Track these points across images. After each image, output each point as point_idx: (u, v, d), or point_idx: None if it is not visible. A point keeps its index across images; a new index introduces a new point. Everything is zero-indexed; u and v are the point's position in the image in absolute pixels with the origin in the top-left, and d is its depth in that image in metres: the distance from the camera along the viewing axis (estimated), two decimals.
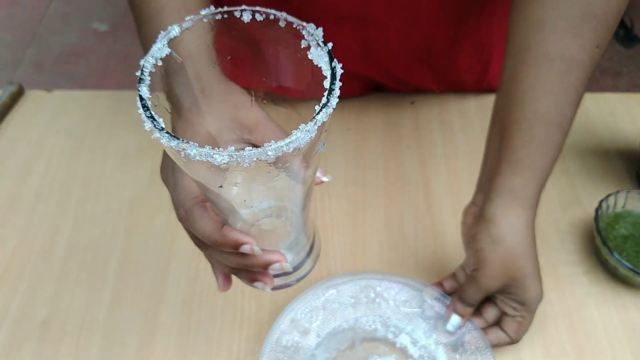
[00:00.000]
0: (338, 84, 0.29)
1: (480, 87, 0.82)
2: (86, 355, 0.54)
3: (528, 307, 0.52)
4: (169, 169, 0.40)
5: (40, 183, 0.69)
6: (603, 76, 2.16)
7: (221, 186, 0.31)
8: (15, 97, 0.78)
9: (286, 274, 0.42)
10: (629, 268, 0.57)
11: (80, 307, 0.58)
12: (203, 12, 0.32)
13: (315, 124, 0.28)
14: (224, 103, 0.37)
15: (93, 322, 0.57)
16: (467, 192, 0.69)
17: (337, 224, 0.66)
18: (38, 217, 0.65)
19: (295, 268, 0.42)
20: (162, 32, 0.31)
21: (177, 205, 0.38)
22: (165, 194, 0.67)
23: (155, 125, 0.28)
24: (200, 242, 0.39)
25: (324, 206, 0.68)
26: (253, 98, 0.39)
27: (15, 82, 0.78)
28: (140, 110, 0.29)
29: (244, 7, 0.32)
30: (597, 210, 0.62)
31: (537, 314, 0.58)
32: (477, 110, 0.80)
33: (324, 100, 0.29)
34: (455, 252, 0.63)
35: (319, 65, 0.31)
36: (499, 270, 0.50)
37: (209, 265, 0.61)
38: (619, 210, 0.64)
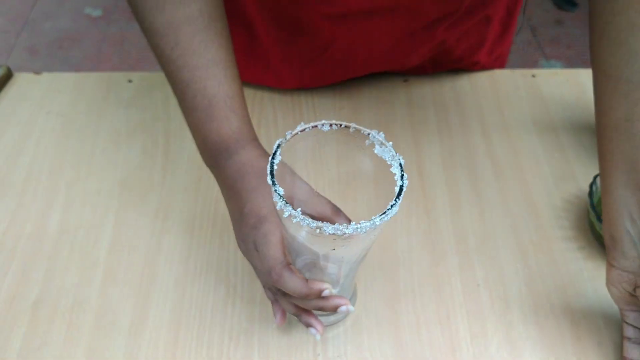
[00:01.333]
0: (402, 196, 0.40)
1: (474, 67, 0.81)
2: (78, 334, 0.54)
3: None
4: (250, 243, 0.48)
5: (30, 164, 0.68)
6: None
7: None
8: (4, 80, 0.77)
9: (331, 314, 0.53)
10: None
11: (72, 286, 0.58)
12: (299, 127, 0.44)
13: (382, 219, 0.39)
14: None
15: (85, 301, 0.56)
16: (460, 168, 0.69)
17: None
18: (28, 198, 0.65)
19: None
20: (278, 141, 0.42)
21: (268, 270, 0.46)
22: (156, 173, 0.67)
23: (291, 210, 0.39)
24: (277, 292, 0.50)
25: (323, 186, 0.68)
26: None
27: (3, 65, 0.77)
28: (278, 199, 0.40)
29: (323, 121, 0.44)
30: (591, 185, 0.61)
31: (531, 290, 0.58)
32: (471, 88, 0.79)
33: (391, 203, 0.40)
34: (448, 230, 0.63)
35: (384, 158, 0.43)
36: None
37: (201, 243, 0.61)
38: None
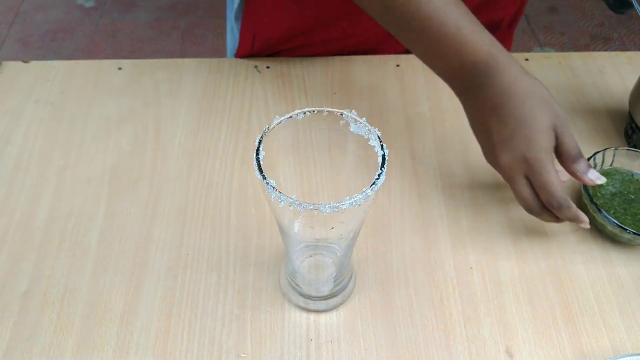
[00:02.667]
0: (386, 165, 0.42)
1: None
2: (69, 323, 0.54)
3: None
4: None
5: (19, 153, 0.68)
6: (594, 42, 2.15)
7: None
8: None
9: (333, 296, 0.55)
10: (617, 225, 0.57)
11: (62, 275, 0.57)
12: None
13: (372, 189, 0.40)
14: None
15: (75, 290, 0.56)
16: (453, 151, 0.69)
17: (322, 187, 0.65)
18: (17, 187, 0.64)
19: (340, 292, 0.55)
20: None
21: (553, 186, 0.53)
22: (147, 161, 0.67)
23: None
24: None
25: (309, 172, 0.67)
26: None
27: None
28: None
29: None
30: None
31: (524, 272, 0.58)
32: None
33: (378, 172, 0.41)
34: (441, 214, 0.63)
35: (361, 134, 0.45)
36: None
37: (192, 230, 0.61)
38: (607, 168, 0.64)
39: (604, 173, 0.62)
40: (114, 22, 2.27)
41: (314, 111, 0.45)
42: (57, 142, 0.69)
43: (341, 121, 0.45)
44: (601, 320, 0.55)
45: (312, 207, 0.39)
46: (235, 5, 0.79)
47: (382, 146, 0.43)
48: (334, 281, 0.54)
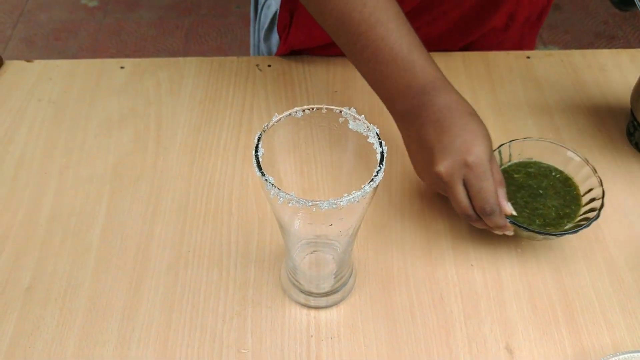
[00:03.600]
0: (384, 162, 0.42)
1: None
2: (71, 319, 0.54)
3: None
4: (457, 173, 0.54)
5: (22, 151, 0.68)
6: (598, 40, 2.14)
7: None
8: None
9: (334, 293, 0.55)
10: (509, 219, 0.56)
11: (65, 272, 0.57)
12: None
13: (371, 186, 0.40)
14: None
15: (78, 286, 0.56)
16: None
17: (322, 184, 0.65)
18: (20, 185, 0.65)
19: (340, 288, 0.55)
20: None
21: (488, 198, 0.53)
22: (148, 159, 0.67)
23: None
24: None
25: (308, 169, 0.67)
26: None
27: None
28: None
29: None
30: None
31: (525, 269, 0.58)
32: (465, 69, 0.79)
33: (376, 169, 0.41)
34: (441, 211, 0.63)
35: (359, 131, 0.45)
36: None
37: (193, 228, 0.61)
38: (525, 160, 0.63)
39: (520, 164, 0.62)
40: (118, 22, 2.27)
41: (313, 108, 0.45)
42: (60, 140, 0.69)
43: (340, 118, 0.45)
44: (602, 317, 0.55)
45: (310, 204, 0.39)
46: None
47: (380, 143, 0.43)
48: (335, 278, 0.54)
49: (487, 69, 0.79)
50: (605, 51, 0.82)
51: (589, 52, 0.82)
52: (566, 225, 0.58)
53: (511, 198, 0.59)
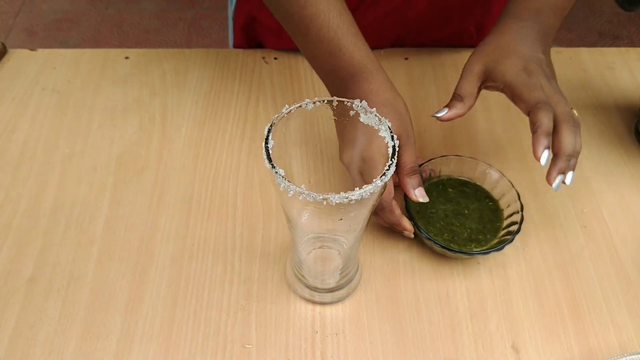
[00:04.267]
0: (396, 156, 0.41)
1: None
2: (73, 311, 0.54)
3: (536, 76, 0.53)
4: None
5: (25, 140, 0.67)
6: (602, 39, 2.13)
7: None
8: None
9: (339, 289, 0.54)
10: (427, 236, 0.56)
11: (67, 263, 0.57)
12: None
13: (382, 180, 0.40)
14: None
15: (80, 278, 0.56)
16: (461, 144, 0.68)
17: (331, 177, 0.65)
18: (23, 174, 0.64)
19: (346, 284, 0.54)
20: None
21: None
22: (153, 150, 0.66)
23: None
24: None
25: (316, 165, 0.67)
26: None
27: None
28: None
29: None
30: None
31: (532, 268, 0.58)
32: None
33: (388, 164, 0.41)
34: None
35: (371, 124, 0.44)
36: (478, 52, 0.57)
37: (198, 221, 0.60)
38: (466, 179, 0.62)
39: (460, 181, 0.62)
40: (120, 13, 2.26)
41: (323, 101, 0.45)
42: (63, 130, 0.69)
43: (351, 111, 0.45)
44: (609, 318, 0.54)
45: (321, 198, 0.39)
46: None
47: (392, 137, 0.42)
48: (340, 273, 0.53)
49: None
50: (614, 49, 0.81)
51: (596, 50, 0.81)
52: (473, 249, 0.57)
53: (432, 207, 0.59)
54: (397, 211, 0.55)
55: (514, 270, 0.58)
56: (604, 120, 0.72)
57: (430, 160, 0.61)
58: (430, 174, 0.61)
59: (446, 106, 0.56)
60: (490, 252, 0.55)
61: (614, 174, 0.66)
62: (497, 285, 0.56)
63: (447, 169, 0.62)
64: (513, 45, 0.56)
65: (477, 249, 0.56)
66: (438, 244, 0.55)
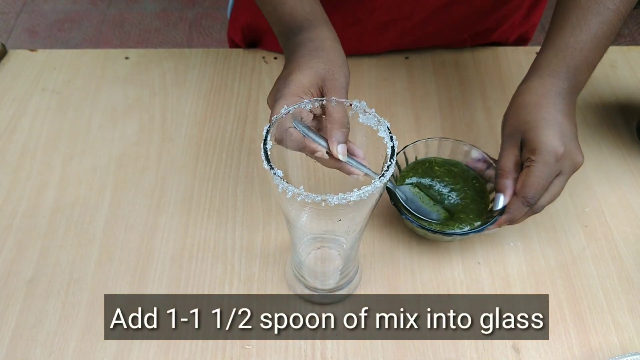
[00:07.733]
0: (395, 157, 0.41)
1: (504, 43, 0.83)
2: (74, 311, 0.54)
3: (539, 154, 0.52)
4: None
5: (25, 141, 0.67)
6: None
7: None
8: None
9: (339, 289, 0.54)
10: (410, 219, 0.55)
11: (68, 264, 0.57)
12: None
13: (381, 181, 0.40)
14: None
15: (80, 279, 0.56)
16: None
17: (330, 178, 0.64)
18: (24, 175, 0.64)
19: (345, 285, 0.54)
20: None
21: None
22: (153, 151, 0.66)
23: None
24: None
25: (315, 166, 0.67)
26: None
27: None
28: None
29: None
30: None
31: (532, 268, 0.58)
32: (474, 64, 0.78)
33: (387, 164, 0.41)
34: None
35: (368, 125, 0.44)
36: (513, 116, 0.56)
37: (198, 221, 0.60)
38: (454, 160, 0.62)
39: (448, 161, 0.62)
40: (121, 13, 2.26)
41: (322, 101, 0.44)
42: (64, 130, 0.69)
43: (350, 112, 0.44)
44: (610, 318, 0.54)
45: (319, 199, 0.38)
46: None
47: (391, 137, 0.42)
48: (340, 274, 0.53)
49: (496, 65, 0.78)
50: (616, 48, 0.81)
51: None
52: (455, 229, 0.56)
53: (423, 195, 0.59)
54: (295, 135, 0.47)
55: (515, 270, 0.57)
56: (606, 118, 0.72)
57: (428, 138, 0.61)
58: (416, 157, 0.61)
59: (497, 191, 0.55)
60: (470, 233, 0.55)
61: (615, 173, 0.66)
62: (497, 285, 0.56)
63: (444, 152, 0.62)
64: (552, 112, 0.54)
65: (460, 229, 0.56)
66: (417, 225, 0.55)
